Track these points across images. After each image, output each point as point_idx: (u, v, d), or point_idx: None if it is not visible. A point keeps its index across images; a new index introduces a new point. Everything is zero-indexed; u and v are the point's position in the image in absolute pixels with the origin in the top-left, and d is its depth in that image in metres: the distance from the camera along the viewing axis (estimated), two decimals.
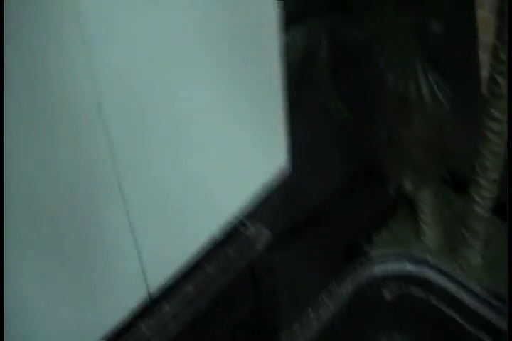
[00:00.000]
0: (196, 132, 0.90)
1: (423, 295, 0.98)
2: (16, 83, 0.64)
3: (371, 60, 1.42)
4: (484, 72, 1.42)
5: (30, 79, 0.66)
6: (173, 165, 0.89)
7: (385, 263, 0.99)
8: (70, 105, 0.71)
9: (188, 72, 0.83)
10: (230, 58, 0.89)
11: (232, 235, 1.11)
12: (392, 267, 0.98)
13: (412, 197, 1.61)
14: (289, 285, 1.20)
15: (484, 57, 1.41)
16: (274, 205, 1.33)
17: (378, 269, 0.98)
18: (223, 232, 1.06)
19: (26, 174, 0.70)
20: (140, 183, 0.85)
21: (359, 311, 0.97)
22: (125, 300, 0.91)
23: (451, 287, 0.95)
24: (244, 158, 1.01)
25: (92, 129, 0.75)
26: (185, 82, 0.84)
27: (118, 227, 0.85)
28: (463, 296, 0.94)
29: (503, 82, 1.31)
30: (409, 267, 0.98)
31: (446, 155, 1.52)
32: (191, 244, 0.99)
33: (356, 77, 1.64)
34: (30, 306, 0.77)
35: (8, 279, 0.71)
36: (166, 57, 0.80)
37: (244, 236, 1.13)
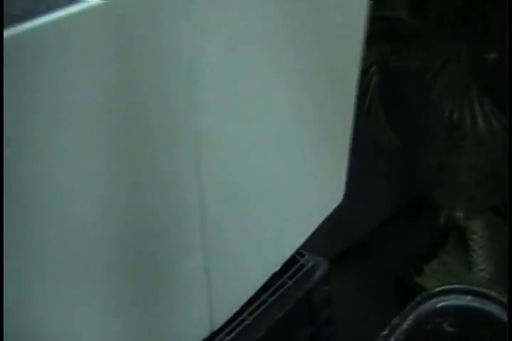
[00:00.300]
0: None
1: (484, 329, 0.96)
2: None
3: (423, 88, 1.41)
4: None
5: None
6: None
7: (446, 296, 0.97)
8: None
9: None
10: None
11: (289, 264, 1.10)
12: (453, 301, 0.96)
13: (463, 228, 1.59)
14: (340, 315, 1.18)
15: None
16: (327, 236, 1.32)
17: (438, 302, 0.96)
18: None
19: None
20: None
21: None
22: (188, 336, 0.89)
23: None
24: (307, 190, 1.01)
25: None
26: None
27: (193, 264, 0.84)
28: None
29: None
30: (469, 300, 0.96)
31: (499, 184, 1.50)
32: (258, 279, 0.98)
33: (407, 106, 1.64)
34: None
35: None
36: None
37: (301, 265, 1.11)
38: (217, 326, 0.94)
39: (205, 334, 0.95)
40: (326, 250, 1.54)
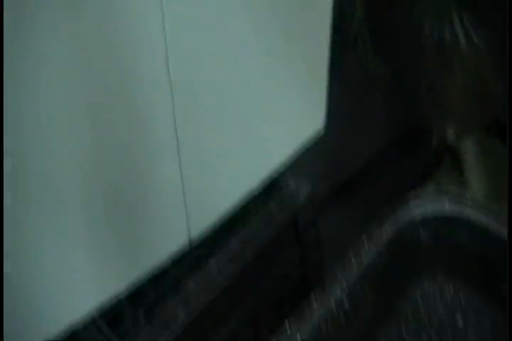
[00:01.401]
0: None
1: (465, 235, 0.97)
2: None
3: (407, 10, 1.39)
4: None
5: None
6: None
7: (424, 204, 0.97)
8: None
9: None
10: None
11: (273, 189, 1.11)
12: (432, 208, 0.97)
13: (455, 148, 1.59)
14: (332, 236, 1.19)
15: None
16: (315, 163, 1.33)
17: (417, 211, 0.97)
18: (264, 187, 1.06)
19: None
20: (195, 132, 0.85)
21: (400, 254, 0.96)
22: (166, 243, 0.91)
23: (493, 225, 0.93)
24: (285, 116, 1.01)
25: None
26: None
27: (169, 177, 0.86)
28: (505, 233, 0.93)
29: None
30: (448, 207, 0.97)
31: (489, 102, 1.49)
32: (234, 193, 0.99)
33: (393, 31, 1.62)
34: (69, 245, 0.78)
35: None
36: None
37: (285, 189, 1.12)
38: (195, 234, 0.95)
39: (183, 241, 0.96)
40: (321, 182, 1.56)
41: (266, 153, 1.03)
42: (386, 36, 1.57)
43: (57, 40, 0.63)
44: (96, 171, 0.76)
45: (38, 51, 0.62)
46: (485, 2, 1.31)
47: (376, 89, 1.64)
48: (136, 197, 0.85)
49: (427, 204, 0.98)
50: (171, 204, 0.90)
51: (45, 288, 0.78)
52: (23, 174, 0.68)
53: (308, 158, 1.13)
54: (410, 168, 1.67)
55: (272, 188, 1.11)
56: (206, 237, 0.98)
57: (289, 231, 1.14)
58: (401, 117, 1.76)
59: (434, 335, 0.97)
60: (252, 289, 1.11)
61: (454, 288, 1.00)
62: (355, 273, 0.93)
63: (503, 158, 1.51)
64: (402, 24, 1.53)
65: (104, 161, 0.77)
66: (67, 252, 0.79)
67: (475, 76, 1.44)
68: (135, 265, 0.91)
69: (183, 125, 0.83)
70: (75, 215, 0.76)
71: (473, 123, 1.54)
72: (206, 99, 0.85)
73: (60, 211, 0.74)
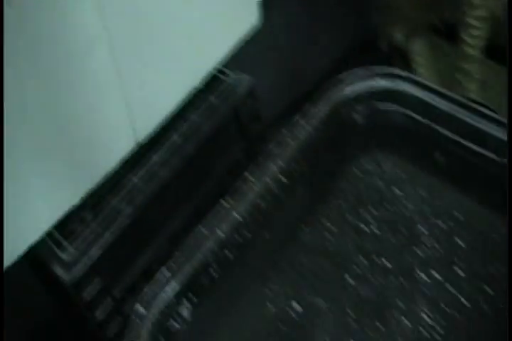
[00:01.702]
0: None
1: (399, 109, 0.97)
2: None
3: None
4: None
5: None
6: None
7: (357, 81, 0.97)
8: None
9: None
10: None
11: (213, 83, 1.11)
12: (366, 84, 0.97)
13: (405, 50, 1.59)
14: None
15: None
16: (255, 56, 1.32)
17: (350, 88, 0.97)
18: (204, 81, 1.06)
19: None
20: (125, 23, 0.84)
21: (336, 131, 0.96)
22: (114, 149, 0.92)
23: (425, 96, 0.94)
24: (221, 11, 1.00)
25: None
26: None
27: (104, 75, 0.85)
28: (439, 103, 0.93)
29: None
30: (381, 82, 0.97)
31: (436, 2, 1.49)
32: (177, 92, 1.00)
33: None
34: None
35: None
36: None
37: (225, 82, 1.12)
38: (141, 137, 0.95)
39: (130, 145, 0.96)
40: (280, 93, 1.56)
41: (204, 50, 1.02)
42: None
43: None
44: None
45: None
46: None
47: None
48: (75, 105, 0.84)
49: (360, 82, 0.98)
50: (113, 109, 0.90)
51: None
52: None
53: (248, 52, 1.12)
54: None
55: (212, 83, 1.11)
56: (150, 136, 0.98)
57: (231, 125, 1.14)
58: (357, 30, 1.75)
59: (372, 208, 0.98)
60: (196, 182, 1.12)
61: (392, 163, 1.01)
62: (290, 148, 0.93)
63: (451, 56, 1.52)
64: None
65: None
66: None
67: None
68: (85, 176, 0.91)
69: (115, 20, 0.82)
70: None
71: (421, 23, 1.54)
72: None
73: None
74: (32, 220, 0.86)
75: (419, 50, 1.57)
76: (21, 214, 0.83)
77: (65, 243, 0.95)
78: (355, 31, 1.74)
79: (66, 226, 0.96)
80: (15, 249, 0.85)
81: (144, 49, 0.90)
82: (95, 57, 0.82)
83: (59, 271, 0.93)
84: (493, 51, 1.48)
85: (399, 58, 1.63)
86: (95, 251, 0.95)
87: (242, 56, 1.10)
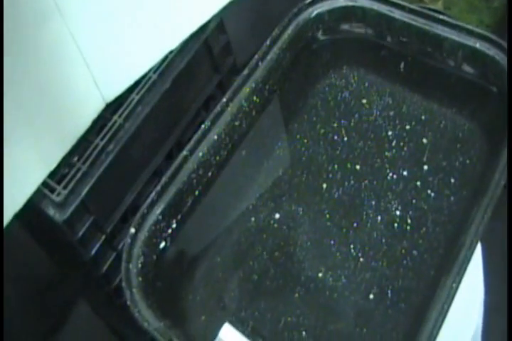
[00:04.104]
0: None
1: (360, 25, 1.01)
2: None
3: None
4: None
5: None
6: None
7: (318, 3, 1.01)
8: None
9: None
10: None
11: None
12: (327, 4, 1.01)
13: None
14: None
15: None
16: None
17: (312, 10, 1.00)
18: None
19: None
20: None
21: (302, 51, 1.00)
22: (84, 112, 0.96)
23: (383, 9, 0.97)
24: None
25: None
26: None
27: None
28: (396, 14, 0.97)
29: None
30: (340, 1, 1.00)
31: None
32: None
33: None
34: None
35: None
36: None
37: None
38: (109, 99, 1.00)
39: (100, 106, 1.00)
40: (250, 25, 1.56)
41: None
42: None
43: None
44: None
45: None
46: None
47: None
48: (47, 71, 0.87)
49: (322, 2, 1.02)
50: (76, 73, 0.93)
51: None
52: None
53: None
54: None
55: None
56: None
57: (204, 59, 1.17)
58: None
59: (343, 120, 1.02)
60: (173, 116, 1.15)
61: (358, 76, 1.05)
62: (260, 70, 0.97)
63: None
64: None
65: None
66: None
67: None
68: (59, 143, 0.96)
69: None
70: None
71: None
72: None
73: None
74: (27, 175, 0.90)
75: None
76: (16, 170, 0.87)
77: (57, 187, 0.97)
78: None
79: (56, 173, 0.99)
80: (15, 204, 0.89)
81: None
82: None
83: (51, 211, 0.96)
84: None
85: None
86: (84, 189, 0.98)
87: None
